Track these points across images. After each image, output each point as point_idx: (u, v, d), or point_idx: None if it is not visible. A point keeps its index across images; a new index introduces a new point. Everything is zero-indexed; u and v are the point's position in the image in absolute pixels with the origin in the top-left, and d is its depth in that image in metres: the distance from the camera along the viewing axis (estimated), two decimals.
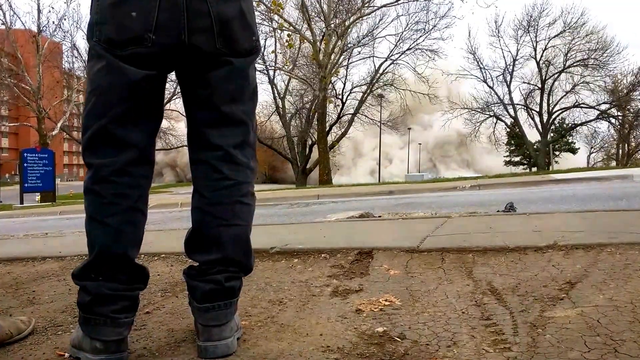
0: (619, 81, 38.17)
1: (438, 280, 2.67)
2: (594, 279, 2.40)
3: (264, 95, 38.69)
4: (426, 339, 1.87)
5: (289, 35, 28.41)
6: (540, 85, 37.21)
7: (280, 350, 1.86)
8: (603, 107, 37.01)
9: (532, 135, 41.19)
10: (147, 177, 1.88)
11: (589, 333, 1.74)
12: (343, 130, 37.29)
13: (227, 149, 1.89)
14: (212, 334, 1.85)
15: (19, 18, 50.42)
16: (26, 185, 23.92)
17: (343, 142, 39.77)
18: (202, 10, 1.74)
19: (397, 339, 1.89)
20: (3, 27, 29.06)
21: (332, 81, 33.51)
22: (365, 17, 31.26)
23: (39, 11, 29.71)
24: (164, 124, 40.00)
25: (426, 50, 33.52)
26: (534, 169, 40.25)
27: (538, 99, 37.79)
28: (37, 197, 25.01)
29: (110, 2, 1.73)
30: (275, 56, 34.44)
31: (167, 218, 10.70)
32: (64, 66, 35.22)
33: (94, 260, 1.80)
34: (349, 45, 32.97)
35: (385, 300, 2.36)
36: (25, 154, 24.27)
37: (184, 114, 2.01)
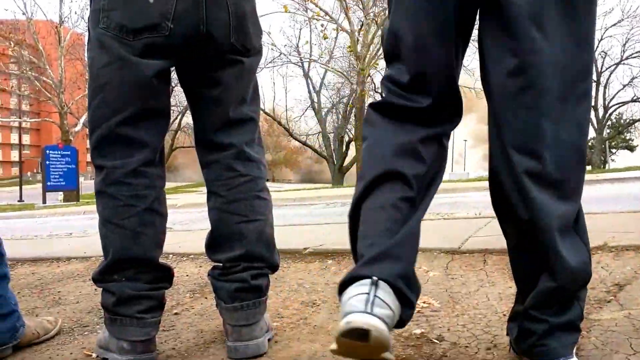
0: None
1: (479, 282, 2.71)
2: None
3: (299, 89, 38.66)
4: (465, 340, 1.91)
5: (323, 26, 28.38)
6: (595, 78, 36.54)
7: (313, 352, 1.92)
8: None
9: None
10: (161, 176, 1.95)
11: (635, 335, 1.77)
12: None
13: (239, 147, 1.98)
14: (241, 333, 1.92)
15: (40, 8, 50.81)
16: (49, 183, 24.23)
17: None
18: (219, 2, 1.80)
19: (435, 340, 1.94)
20: (24, 17, 29.34)
21: (371, 74, 33.38)
22: None
23: (61, 0, 30.11)
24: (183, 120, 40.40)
25: (474, 40, 33.15)
26: (588, 167, 39.60)
27: (593, 93, 37.05)
28: (60, 196, 25.35)
29: None
30: (310, 47, 34.55)
31: (196, 218, 10.83)
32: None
33: (111, 264, 1.86)
34: None
35: (424, 302, 2.40)
36: (47, 151, 24.52)
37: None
